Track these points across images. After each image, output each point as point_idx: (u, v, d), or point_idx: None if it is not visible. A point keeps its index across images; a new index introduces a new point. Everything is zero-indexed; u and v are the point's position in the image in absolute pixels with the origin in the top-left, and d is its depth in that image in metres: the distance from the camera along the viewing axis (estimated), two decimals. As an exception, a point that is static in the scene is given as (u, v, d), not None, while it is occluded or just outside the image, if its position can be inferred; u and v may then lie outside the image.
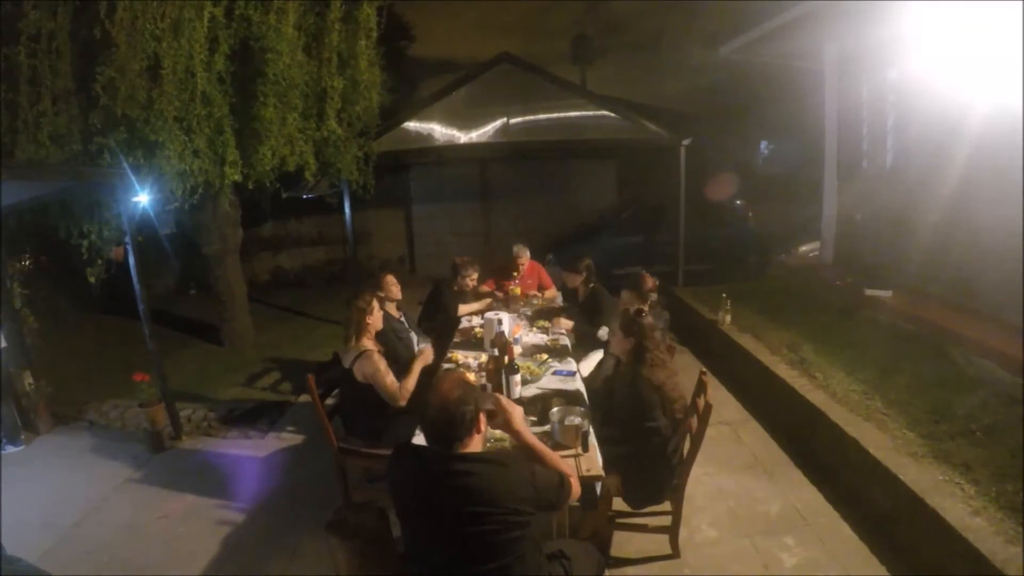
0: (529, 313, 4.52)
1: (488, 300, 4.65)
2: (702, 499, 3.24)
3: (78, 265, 4.36)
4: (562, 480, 1.77)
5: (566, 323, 4.14)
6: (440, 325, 4.40)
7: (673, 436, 2.65)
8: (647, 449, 2.60)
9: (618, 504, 2.73)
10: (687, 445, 2.73)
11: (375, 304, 3.19)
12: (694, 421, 2.77)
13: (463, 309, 4.47)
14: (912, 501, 2.63)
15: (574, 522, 2.58)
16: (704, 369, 2.96)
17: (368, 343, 3.07)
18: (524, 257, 4.91)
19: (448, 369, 3.32)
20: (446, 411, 1.61)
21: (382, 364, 2.98)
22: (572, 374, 3.28)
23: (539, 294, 4.97)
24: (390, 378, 2.96)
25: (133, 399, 4.40)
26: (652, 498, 2.70)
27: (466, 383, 1.74)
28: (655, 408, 2.56)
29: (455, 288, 4.57)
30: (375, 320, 3.18)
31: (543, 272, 5.14)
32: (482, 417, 1.72)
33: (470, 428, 1.65)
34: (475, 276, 4.62)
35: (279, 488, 3.60)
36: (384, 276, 4.04)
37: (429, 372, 3.50)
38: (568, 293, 4.60)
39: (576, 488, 1.83)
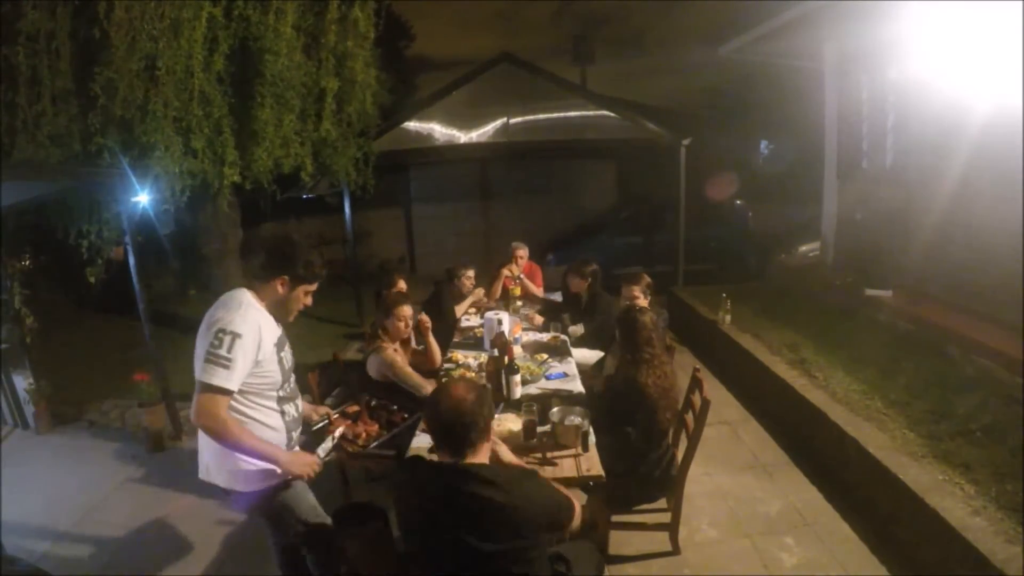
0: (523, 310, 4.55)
1: (479, 291, 4.60)
2: (702, 499, 3.24)
3: (78, 265, 4.36)
4: (570, 503, 1.71)
5: (536, 318, 4.36)
6: (440, 327, 4.40)
7: (655, 447, 2.65)
8: (626, 452, 2.61)
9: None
10: (681, 449, 2.74)
11: (406, 311, 3.15)
12: (690, 419, 2.77)
13: (458, 311, 4.46)
14: (912, 501, 2.63)
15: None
16: (698, 366, 2.96)
17: (384, 342, 3.06)
18: (523, 251, 4.88)
19: (456, 374, 3.30)
20: (461, 415, 1.57)
21: (399, 357, 2.97)
22: (563, 376, 3.28)
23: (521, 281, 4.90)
24: (409, 368, 2.96)
25: (133, 399, 4.40)
26: (638, 499, 2.71)
27: (480, 387, 1.70)
28: (636, 414, 2.56)
29: (454, 291, 4.57)
30: (402, 328, 3.15)
31: (538, 276, 5.11)
32: (491, 424, 1.69)
33: (483, 434, 1.62)
34: (471, 275, 4.60)
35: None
36: (396, 279, 3.99)
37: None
38: (570, 298, 4.55)
39: (577, 511, 1.74)
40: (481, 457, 1.64)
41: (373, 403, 2.64)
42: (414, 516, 1.64)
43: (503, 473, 1.64)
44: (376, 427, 2.51)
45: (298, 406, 2.16)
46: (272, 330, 2.00)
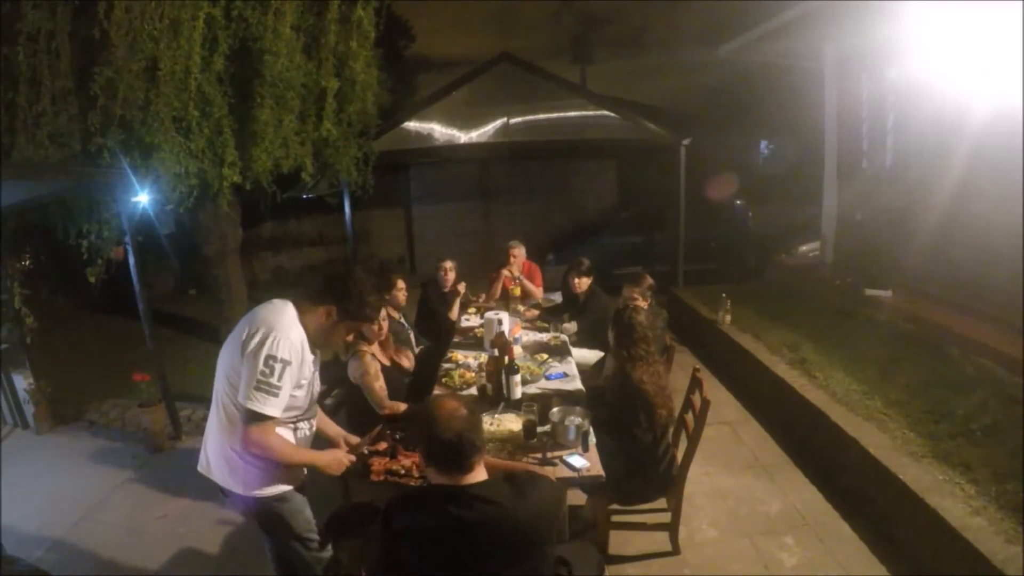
0: (520, 309, 4.58)
1: (462, 285, 4.60)
2: (702, 499, 3.24)
3: (78, 265, 4.36)
4: (560, 490, 1.68)
5: (530, 312, 4.51)
6: (434, 327, 4.41)
7: (657, 446, 2.65)
8: (633, 450, 2.61)
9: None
10: (681, 449, 2.75)
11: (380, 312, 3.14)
12: (690, 419, 2.78)
13: (452, 315, 4.45)
14: (912, 501, 2.64)
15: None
16: (698, 366, 2.96)
17: (363, 346, 3.06)
18: (518, 250, 4.88)
19: (456, 374, 3.31)
20: (463, 429, 1.50)
21: (372, 367, 2.97)
22: (563, 376, 3.28)
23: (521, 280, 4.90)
24: (379, 383, 2.95)
25: (133, 399, 4.40)
26: (640, 497, 2.72)
27: (464, 398, 1.66)
28: (638, 412, 2.57)
29: (440, 289, 4.59)
30: (376, 330, 3.13)
31: (537, 275, 5.11)
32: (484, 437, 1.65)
33: (483, 446, 1.57)
34: (449, 266, 4.61)
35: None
36: (395, 280, 4.00)
37: (427, 373, 3.52)
38: (569, 296, 4.57)
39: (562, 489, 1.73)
40: (481, 472, 1.56)
41: (398, 436, 2.61)
42: (412, 556, 1.51)
43: (506, 488, 1.56)
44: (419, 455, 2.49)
45: (312, 425, 2.13)
46: (309, 354, 1.97)
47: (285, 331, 1.85)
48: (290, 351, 1.83)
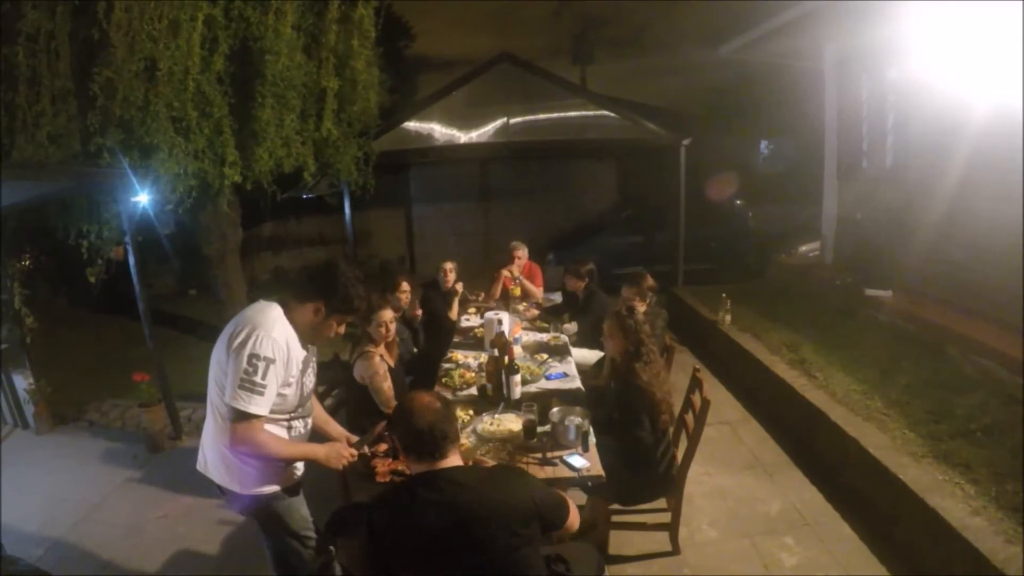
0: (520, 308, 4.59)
1: (459, 285, 4.58)
2: (702, 499, 3.25)
3: (78, 265, 4.36)
4: (563, 500, 1.69)
5: (531, 311, 4.55)
6: (432, 328, 4.41)
7: (658, 446, 2.65)
8: (634, 451, 2.62)
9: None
10: (681, 449, 2.75)
11: (386, 315, 3.11)
12: (690, 419, 2.78)
13: (452, 314, 4.46)
14: (912, 501, 2.64)
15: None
16: (698, 366, 2.96)
17: (371, 347, 3.06)
18: (521, 251, 4.89)
19: (456, 374, 3.32)
20: (435, 418, 1.57)
21: (381, 368, 2.97)
22: (564, 376, 3.28)
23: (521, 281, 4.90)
24: (387, 383, 2.96)
25: (133, 399, 4.40)
26: (641, 497, 2.72)
27: (440, 395, 1.71)
28: (641, 413, 2.57)
29: (441, 290, 4.60)
30: (384, 333, 3.12)
31: (538, 276, 5.11)
32: (458, 432, 1.69)
33: (457, 437, 1.62)
34: (449, 267, 4.62)
35: (279, 488, 3.59)
36: (399, 281, 3.97)
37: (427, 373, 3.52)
38: (569, 296, 4.60)
39: (575, 515, 1.72)
40: (456, 460, 1.62)
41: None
42: (393, 547, 1.53)
43: (480, 473, 1.62)
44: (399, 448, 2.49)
45: (307, 423, 2.13)
46: (298, 352, 1.96)
47: (268, 329, 1.85)
48: (274, 349, 1.83)
